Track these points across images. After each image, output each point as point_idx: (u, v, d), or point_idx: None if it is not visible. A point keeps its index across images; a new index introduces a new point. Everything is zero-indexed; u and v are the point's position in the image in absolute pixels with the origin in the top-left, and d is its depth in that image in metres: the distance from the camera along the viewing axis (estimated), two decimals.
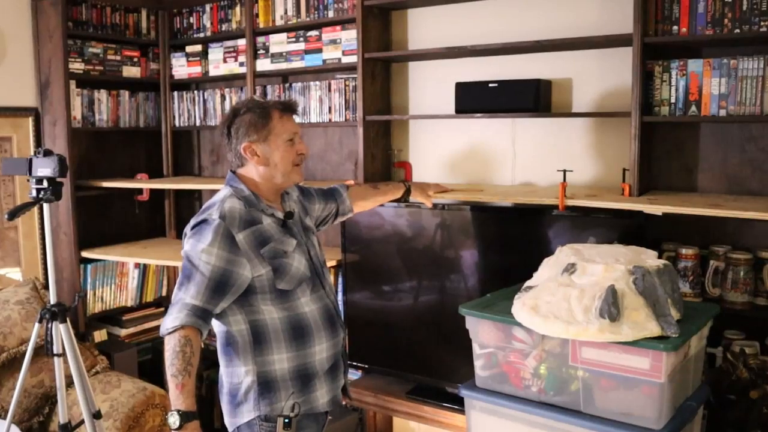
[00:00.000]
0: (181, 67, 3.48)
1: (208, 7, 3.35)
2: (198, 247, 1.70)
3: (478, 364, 1.83)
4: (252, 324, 1.77)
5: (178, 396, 1.62)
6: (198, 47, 3.40)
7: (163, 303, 3.58)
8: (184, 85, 3.59)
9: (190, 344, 1.64)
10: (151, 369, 3.39)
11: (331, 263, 2.93)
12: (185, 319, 1.64)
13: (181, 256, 1.76)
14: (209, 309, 1.69)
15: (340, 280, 2.94)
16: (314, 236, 1.97)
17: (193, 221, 1.77)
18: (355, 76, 2.85)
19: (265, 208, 1.81)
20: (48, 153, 2.32)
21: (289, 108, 1.86)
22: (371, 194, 2.29)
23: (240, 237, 1.72)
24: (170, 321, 1.66)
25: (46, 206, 2.37)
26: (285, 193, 1.93)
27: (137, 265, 3.45)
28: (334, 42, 2.90)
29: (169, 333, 1.65)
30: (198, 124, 3.47)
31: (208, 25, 3.36)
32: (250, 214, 1.77)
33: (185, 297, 1.68)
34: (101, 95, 3.34)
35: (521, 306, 1.70)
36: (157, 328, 3.47)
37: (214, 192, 3.65)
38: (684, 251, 2.21)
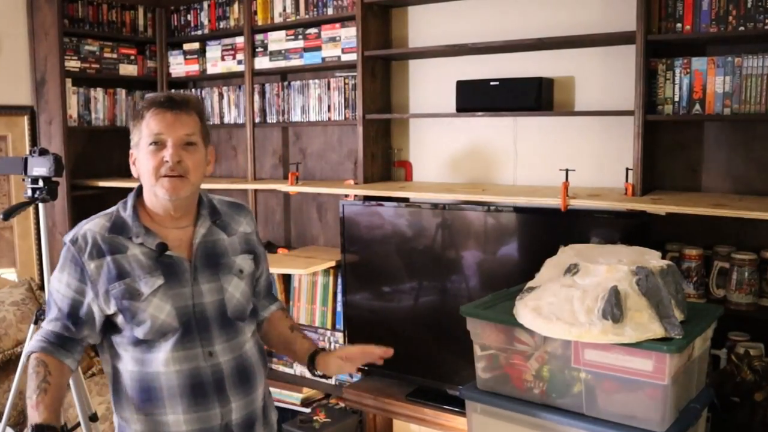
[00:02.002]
0: (179, 65, 3.46)
1: (205, 5, 3.33)
2: (55, 272, 1.51)
3: (479, 365, 1.82)
4: (112, 368, 1.52)
5: (33, 414, 1.39)
6: (195, 45, 3.38)
7: None
8: (181, 84, 3.57)
9: (44, 364, 1.44)
10: None
11: (330, 264, 2.91)
12: (35, 346, 1.47)
13: None
14: (68, 336, 1.48)
15: (339, 281, 2.93)
16: (239, 279, 1.55)
17: None
18: (354, 74, 2.83)
19: (136, 235, 1.48)
20: (43, 152, 2.30)
21: (158, 103, 1.47)
22: (280, 334, 1.72)
23: (91, 267, 1.45)
24: (29, 346, 1.51)
25: (41, 206, 2.36)
26: (217, 214, 1.58)
27: None
28: (333, 40, 2.88)
29: (27, 358, 1.49)
30: None
31: (206, 22, 3.34)
32: (112, 240, 1.47)
33: (46, 321, 1.51)
34: (97, 94, 3.33)
35: (523, 307, 1.68)
36: None
37: (211, 192, 3.64)
38: (688, 252, 2.20)
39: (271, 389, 3.29)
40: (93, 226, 1.48)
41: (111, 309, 1.45)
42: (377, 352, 1.60)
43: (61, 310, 1.48)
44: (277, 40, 3.07)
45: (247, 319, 1.57)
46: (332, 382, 3.04)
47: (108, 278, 1.45)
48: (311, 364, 1.62)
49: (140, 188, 1.54)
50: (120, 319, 1.46)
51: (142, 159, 1.47)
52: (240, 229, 1.61)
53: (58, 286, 1.48)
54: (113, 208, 1.54)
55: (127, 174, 3.55)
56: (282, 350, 1.78)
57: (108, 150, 3.53)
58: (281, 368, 3.21)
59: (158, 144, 1.45)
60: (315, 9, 2.94)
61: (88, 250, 1.46)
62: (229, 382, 1.50)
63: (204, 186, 3.90)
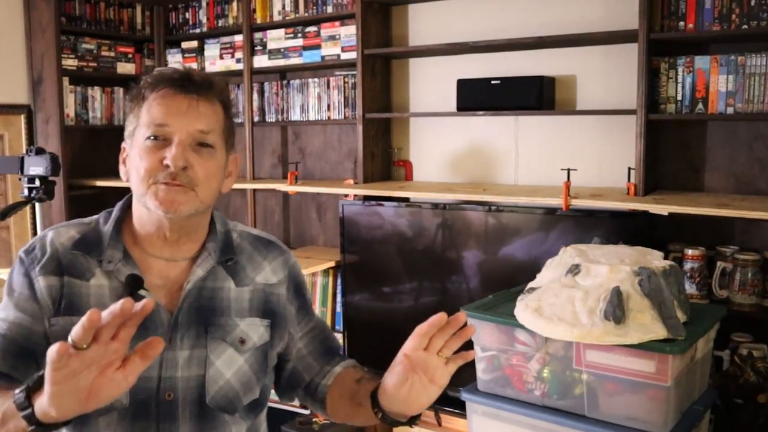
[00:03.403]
0: (177, 64, 3.43)
1: (204, 2, 3.31)
2: (4, 290, 1.08)
3: (480, 367, 1.80)
4: None
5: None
6: (194, 43, 3.37)
7: None
8: None
9: None
10: None
11: (329, 264, 2.89)
12: None
13: None
14: (14, 376, 1.01)
15: (339, 281, 2.91)
16: (237, 353, 1.09)
17: None
18: (354, 72, 2.81)
19: (109, 260, 1.06)
20: (40, 151, 2.28)
21: (168, 81, 1.06)
22: (348, 394, 1.14)
23: (41, 283, 1.04)
24: None
25: (38, 206, 2.34)
26: (230, 251, 1.13)
27: None
28: (333, 38, 2.86)
29: None
30: None
31: (204, 20, 3.32)
32: (75, 259, 1.06)
33: None
34: (95, 92, 3.31)
35: (524, 308, 1.67)
36: None
37: None
38: (690, 252, 2.18)
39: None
40: (58, 235, 1.09)
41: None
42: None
43: (6, 339, 1.02)
44: (276, 38, 3.05)
45: (240, 412, 1.09)
46: None
47: (54, 307, 1.03)
48: (375, 405, 1.04)
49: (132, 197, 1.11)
50: None
51: (134, 156, 1.05)
52: (258, 278, 1.14)
53: (5, 312, 1.04)
54: (94, 218, 1.14)
55: None
56: (358, 418, 1.11)
57: (106, 149, 3.50)
58: None
59: (158, 139, 1.03)
60: (314, 7, 2.92)
61: (43, 263, 1.05)
62: None
63: None
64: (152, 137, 1.03)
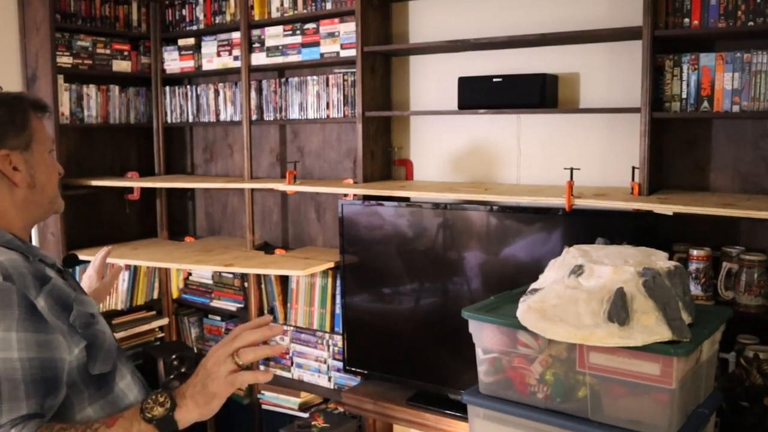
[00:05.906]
0: (173, 61, 3.41)
1: None
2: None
3: (481, 369, 1.78)
4: None
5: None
6: (191, 40, 3.34)
7: (154, 306, 3.51)
8: (176, 80, 3.53)
9: None
10: (142, 373, 3.31)
11: (328, 265, 2.87)
12: None
13: None
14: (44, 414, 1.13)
15: (338, 282, 2.88)
16: None
17: None
18: (353, 70, 2.79)
19: (43, 256, 1.29)
20: None
21: (43, 108, 1.36)
22: None
23: (41, 303, 1.17)
24: None
25: None
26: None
27: (127, 267, 3.38)
28: (332, 35, 2.84)
29: None
30: (191, 120, 3.41)
31: (201, 17, 3.29)
32: (33, 266, 1.22)
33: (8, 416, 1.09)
34: (90, 90, 3.28)
35: (526, 309, 1.65)
36: (149, 331, 3.43)
37: (208, 192, 3.56)
38: (695, 252, 2.16)
39: (268, 393, 3.27)
40: (7, 255, 1.20)
41: (77, 347, 1.18)
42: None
43: (26, 383, 1.10)
44: (274, 35, 3.02)
45: None
46: (331, 386, 2.99)
47: (61, 310, 1.19)
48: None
49: None
50: (74, 365, 1.18)
51: (43, 166, 1.31)
52: None
53: (7, 353, 1.10)
54: None
55: (122, 173, 3.53)
56: None
57: (101, 148, 3.48)
58: (278, 372, 3.15)
59: (53, 152, 1.36)
60: (313, 4, 2.89)
61: (30, 284, 1.17)
62: None
63: (200, 184, 3.86)
64: (51, 152, 1.35)
